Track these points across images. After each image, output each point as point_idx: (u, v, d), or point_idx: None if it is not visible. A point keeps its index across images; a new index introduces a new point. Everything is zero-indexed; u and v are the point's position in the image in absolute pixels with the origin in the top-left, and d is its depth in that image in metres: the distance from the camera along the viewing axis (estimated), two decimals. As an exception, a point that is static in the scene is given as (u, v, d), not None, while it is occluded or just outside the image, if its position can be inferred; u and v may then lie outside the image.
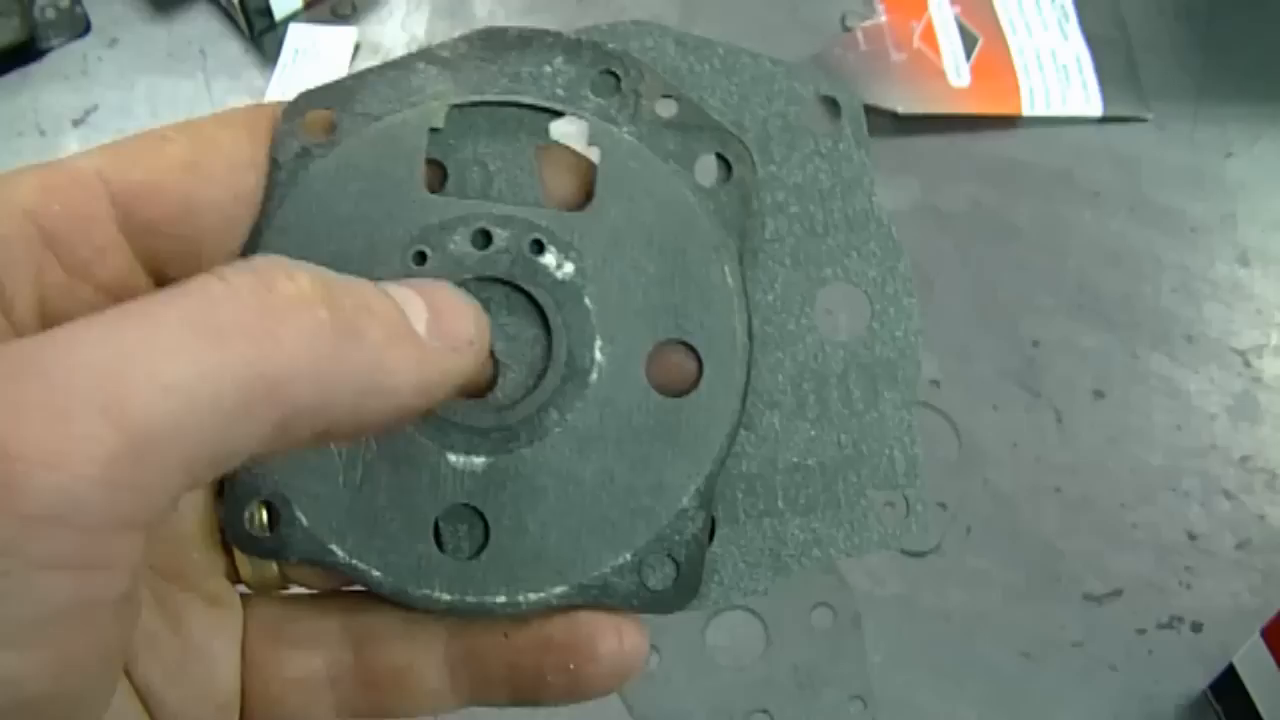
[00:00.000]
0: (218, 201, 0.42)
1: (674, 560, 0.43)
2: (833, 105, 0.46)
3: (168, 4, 1.10)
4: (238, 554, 0.44)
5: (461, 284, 0.42)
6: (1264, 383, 0.97)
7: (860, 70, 1.06)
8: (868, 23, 1.09)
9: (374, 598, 0.43)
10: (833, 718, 0.85)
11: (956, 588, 0.89)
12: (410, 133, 0.43)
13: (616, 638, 0.42)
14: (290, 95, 0.44)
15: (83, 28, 1.09)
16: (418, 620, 0.43)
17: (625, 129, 0.44)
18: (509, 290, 0.43)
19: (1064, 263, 1.01)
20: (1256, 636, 0.80)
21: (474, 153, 0.44)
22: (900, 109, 1.04)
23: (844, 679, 0.85)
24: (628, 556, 0.43)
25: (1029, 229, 1.02)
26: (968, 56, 1.08)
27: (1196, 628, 0.88)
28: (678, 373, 0.44)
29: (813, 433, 0.45)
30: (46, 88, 1.07)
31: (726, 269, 0.44)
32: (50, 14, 1.09)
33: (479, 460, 0.43)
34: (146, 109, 1.06)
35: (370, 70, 0.44)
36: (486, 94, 0.44)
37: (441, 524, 0.43)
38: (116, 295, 0.40)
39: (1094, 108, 1.07)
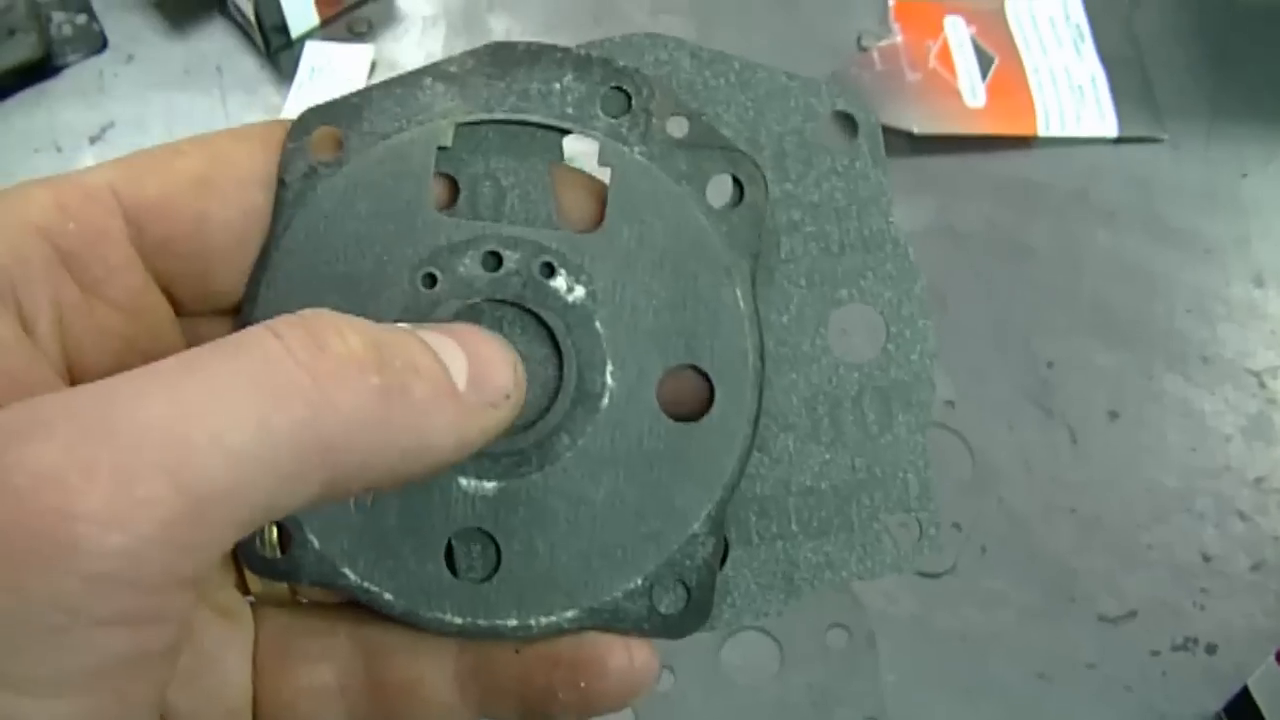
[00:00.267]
0: (229, 219, 0.42)
1: (685, 585, 0.43)
2: (849, 122, 0.46)
3: (184, 21, 1.10)
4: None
5: (472, 306, 0.43)
6: (1279, 404, 0.97)
7: (876, 90, 1.06)
8: (883, 43, 1.09)
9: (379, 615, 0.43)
10: (846, 738, 0.85)
11: (971, 608, 0.89)
12: (418, 151, 0.43)
13: (626, 655, 0.42)
14: (305, 113, 0.44)
15: (99, 44, 1.09)
16: (427, 636, 0.43)
17: (636, 149, 0.44)
18: (518, 312, 0.43)
19: (1079, 283, 1.01)
20: (1271, 659, 0.79)
21: (486, 168, 0.44)
22: (916, 129, 1.04)
23: (858, 699, 0.85)
24: (639, 581, 0.43)
25: (1044, 249, 1.02)
26: (983, 77, 1.08)
27: (1211, 649, 0.88)
28: (689, 397, 0.44)
29: (826, 455, 0.45)
30: (63, 104, 1.07)
31: (738, 292, 0.43)
32: (67, 30, 1.09)
33: (490, 484, 0.43)
34: (163, 125, 1.06)
35: (376, 86, 0.44)
36: (495, 111, 0.44)
37: (453, 547, 0.43)
38: (131, 312, 0.41)
39: (1109, 128, 1.07)
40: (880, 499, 0.45)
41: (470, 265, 0.43)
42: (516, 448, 0.43)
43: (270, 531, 0.43)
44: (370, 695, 0.43)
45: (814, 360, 0.45)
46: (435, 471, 0.37)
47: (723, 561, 0.44)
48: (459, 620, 0.43)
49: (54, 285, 0.39)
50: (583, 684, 0.42)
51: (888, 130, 1.03)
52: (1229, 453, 0.95)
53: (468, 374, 0.37)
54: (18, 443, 0.31)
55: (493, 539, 0.43)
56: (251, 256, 0.43)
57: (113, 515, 0.30)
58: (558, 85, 0.44)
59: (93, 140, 1.05)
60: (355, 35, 1.10)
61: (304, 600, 0.45)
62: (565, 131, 0.44)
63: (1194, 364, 0.98)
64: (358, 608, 0.44)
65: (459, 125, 0.43)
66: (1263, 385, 0.97)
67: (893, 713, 0.85)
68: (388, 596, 0.43)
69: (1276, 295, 1.01)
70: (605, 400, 0.43)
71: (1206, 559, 0.91)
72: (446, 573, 0.43)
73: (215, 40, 1.10)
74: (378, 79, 1.03)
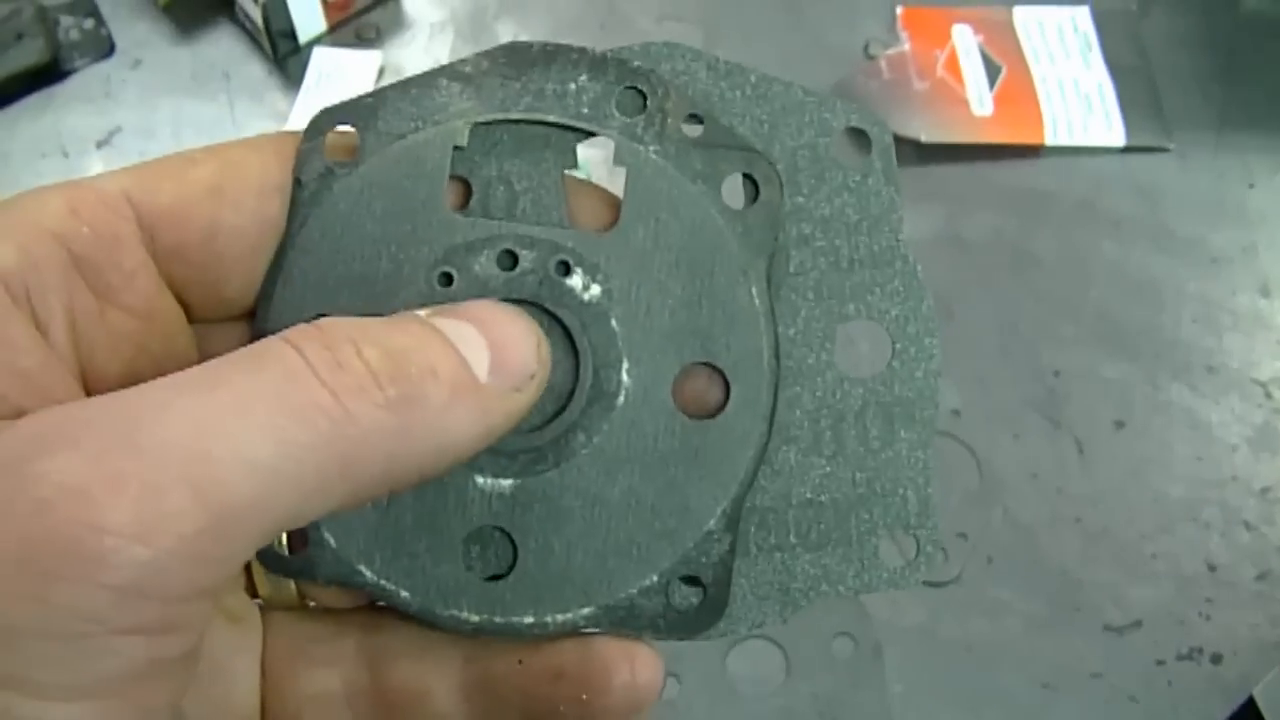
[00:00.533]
0: (241, 228, 0.42)
1: (700, 582, 0.43)
2: (863, 139, 0.46)
3: (192, 26, 1.10)
4: (256, 571, 0.44)
5: None
6: (1285, 414, 0.97)
7: (883, 99, 1.06)
8: (891, 51, 1.09)
9: (391, 617, 0.44)
10: (852, 747, 0.84)
11: (977, 618, 0.88)
12: (434, 152, 0.43)
13: (630, 669, 0.42)
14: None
15: (107, 49, 1.09)
16: (433, 643, 0.43)
17: (651, 148, 0.44)
18: (535, 311, 0.43)
19: (1085, 293, 1.01)
20: (1277, 669, 0.79)
21: (499, 170, 0.44)
22: (923, 138, 1.04)
23: (864, 709, 0.85)
24: (654, 578, 0.43)
25: (1051, 258, 1.02)
26: (991, 86, 1.08)
27: (1216, 659, 0.88)
28: (704, 395, 0.44)
29: (828, 469, 0.45)
30: (70, 109, 1.07)
31: (754, 291, 0.43)
32: (74, 35, 1.09)
33: (506, 482, 0.43)
34: (170, 131, 1.06)
35: (392, 87, 0.44)
36: (510, 112, 0.44)
37: (469, 545, 0.43)
38: (144, 317, 0.41)
39: (1116, 137, 1.07)
40: (880, 514, 0.45)
41: (486, 264, 0.43)
42: (532, 446, 0.43)
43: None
44: (376, 703, 0.43)
45: (819, 374, 0.45)
46: (461, 462, 0.37)
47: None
48: (475, 618, 0.43)
49: (68, 289, 0.39)
50: (585, 697, 0.42)
51: (895, 138, 1.03)
52: (1235, 463, 0.95)
53: (489, 361, 0.38)
54: (44, 453, 0.31)
55: (509, 537, 0.43)
56: (264, 265, 0.43)
57: (138, 529, 0.30)
58: (573, 85, 0.44)
59: (99, 145, 1.05)
60: (363, 41, 1.10)
61: (312, 604, 0.45)
62: (580, 133, 0.44)
63: (1200, 374, 0.98)
64: (366, 614, 0.45)
65: (474, 125, 0.43)
66: (1269, 395, 0.97)
67: (898, 722, 0.85)
68: (404, 594, 0.43)
69: (1283, 305, 1.01)
70: (621, 398, 0.43)
71: (1212, 569, 0.91)
72: (463, 571, 0.43)
73: (223, 46, 1.10)
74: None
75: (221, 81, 1.08)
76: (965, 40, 1.10)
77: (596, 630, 0.43)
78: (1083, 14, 1.13)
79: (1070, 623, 0.89)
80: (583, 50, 0.44)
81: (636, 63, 0.44)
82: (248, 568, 0.45)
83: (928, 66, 1.08)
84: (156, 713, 0.33)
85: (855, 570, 0.45)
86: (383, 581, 0.43)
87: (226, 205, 0.42)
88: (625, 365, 0.43)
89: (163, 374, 0.39)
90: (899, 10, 1.11)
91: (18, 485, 0.31)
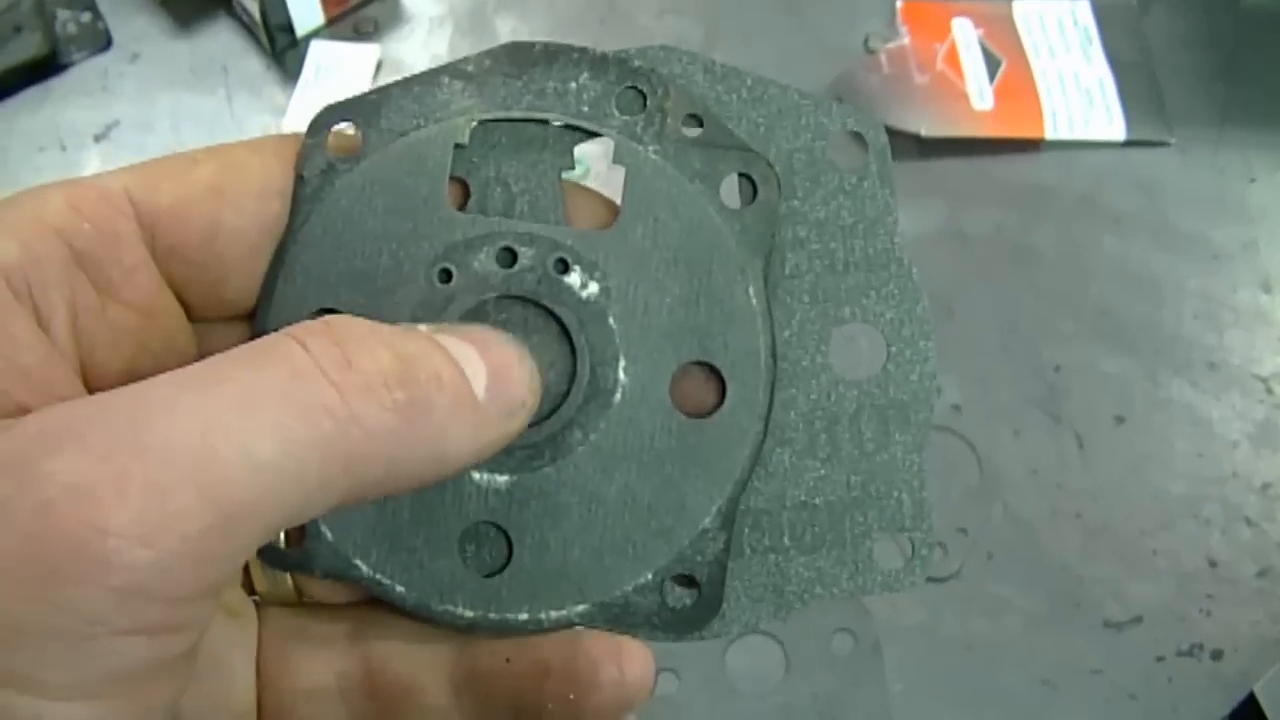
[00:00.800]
0: (241, 229, 0.42)
1: (695, 580, 0.44)
2: (859, 142, 0.46)
3: (190, 20, 1.10)
4: (253, 566, 0.45)
5: (485, 302, 0.43)
6: (1286, 410, 0.97)
7: (883, 93, 1.06)
8: (891, 45, 1.09)
9: (384, 611, 0.44)
10: (851, 744, 0.84)
11: (977, 614, 0.88)
12: (435, 149, 0.43)
13: (617, 667, 0.42)
14: (312, 113, 0.44)
15: (104, 43, 1.09)
16: (424, 638, 0.43)
17: (650, 147, 0.44)
18: (532, 308, 0.43)
19: (1086, 288, 1.01)
20: (1278, 666, 0.79)
21: (497, 171, 0.44)
22: (923, 132, 1.04)
23: (864, 706, 0.85)
24: (649, 576, 0.43)
25: (1051, 253, 1.02)
26: (991, 79, 1.08)
27: (1217, 656, 0.88)
28: (701, 393, 0.44)
29: (822, 471, 0.45)
30: (68, 103, 1.07)
31: (751, 290, 0.44)
32: (72, 29, 1.09)
33: (503, 478, 0.43)
34: (168, 125, 1.06)
35: (395, 84, 0.44)
36: (511, 110, 0.44)
37: (465, 541, 0.43)
38: (145, 314, 0.41)
39: (1117, 132, 1.06)
40: (874, 517, 0.45)
41: (485, 261, 0.43)
42: (529, 442, 0.43)
43: None
44: (368, 697, 0.43)
45: (814, 376, 0.45)
46: (450, 477, 0.38)
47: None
48: (470, 614, 0.43)
49: (69, 285, 0.39)
50: (572, 696, 0.42)
51: (895, 133, 1.04)
52: (1236, 459, 0.95)
53: (487, 384, 0.38)
54: (49, 452, 0.31)
55: (505, 533, 0.43)
56: (264, 266, 0.43)
57: (142, 529, 0.30)
58: (574, 84, 0.44)
59: (97, 139, 1.05)
60: (361, 35, 1.10)
61: (308, 600, 0.46)
62: (581, 132, 0.44)
63: (1201, 370, 0.98)
64: (359, 609, 0.45)
65: (476, 123, 0.44)
66: (1270, 391, 0.97)
67: (898, 719, 0.85)
68: (400, 589, 0.43)
69: (1284, 301, 1.01)
70: (618, 396, 0.43)
71: (1213, 565, 0.91)
72: (459, 566, 0.43)
73: (221, 39, 1.10)
74: (383, 79, 1.04)
75: (219, 75, 1.08)
76: (965, 34, 1.10)
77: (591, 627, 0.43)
78: (1083, 7, 1.13)
79: (1070, 619, 0.89)
80: (584, 50, 0.45)
81: (637, 63, 0.45)
82: (245, 563, 0.45)
83: (928, 60, 1.08)
84: (157, 711, 0.34)
85: (849, 573, 0.45)
86: (379, 576, 0.43)
87: (227, 206, 0.42)
88: (622, 363, 0.43)
89: (164, 371, 0.39)
90: (899, 4, 1.11)
91: (23, 484, 0.31)
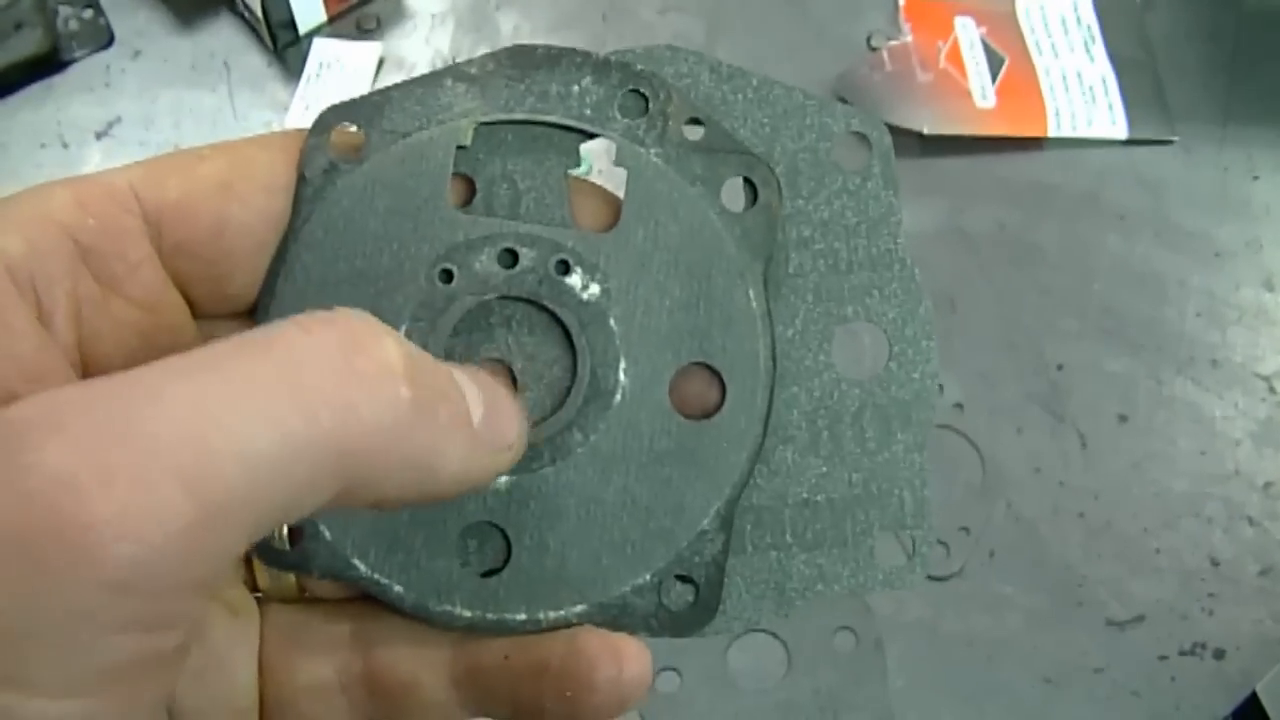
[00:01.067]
0: (249, 225, 0.42)
1: (693, 582, 0.44)
2: (863, 142, 0.46)
3: (192, 16, 1.10)
4: (255, 564, 0.45)
5: (485, 303, 0.43)
6: (1289, 409, 0.97)
7: (886, 90, 1.05)
8: (893, 43, 1.09)
9: (386, 609, 0.44)
10: (853, 742, 0.84)
11: (979, 612, 0.88)
12: (438, 150, 0.43)
13: (615, 666, 0.42)
14: (314, 110, 0.44)
15: (106, 39, 1.09)
16: (424, 636, 0.43)
17: (652, 151, 0.44)
18: (531, 309, 0.43)
19: (1089, 286, 1.01)
20: (1280, 665, 0.79)
21: (503, 169, 0.44)
22: (926, 129, 1.04)
23: (866, 703, 0.85)
24: (647, 577, 0.43)
25: (1054, 251, 1.02)
26: (993, 77, 1.08)
27: (1219, 655, 0.88)
28: (701, 396, 0.44)
29: (824, 469, 0.45)
30: (70, 99, 1.07)
31: (751, 293, 0.44)
32: (73, 25, 1.09)
33: (502, 478, 0.43)
34: (170, 121, 1.06)
35: (398, 86, 0.44)
36: (514, 112, 0.44)
37: (464, 541, 0.43)
38: (149, 309, 0.41)
39: (1119, 130, 1.06)
40: (875, 515, 0.46)
41: (486, 262, 0.43)
42: (529, 442, 0.42)
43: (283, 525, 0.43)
44: (369, 692, 0.43)
45: (816, 375, 0.46)
46: (433, 499, 0.37)
47: None
48: (468, 614, 0.43)
49: (73, 279, 0.39)
50: (570, 694, 0.42)
51: (897, 131, 1.03)
52: (1238, 458, 0.95)
53: (483, 414, 0.37)
54: (34, 443, 0.30)
55: (504, 533, 0.43)
56: (269, 262, 0.43)
57: (127, 523, 0.30)
58: (576, 88, 0.44)
59: (99, 136, 1.05)
60: (363, 32, 1.10)
61: (310, 596, 0.45)
62: (583, 134, 0.44)
63: (1204, 368, 0.98)
64: (361, 605, 0.45)
65: (478, 125, 0.44)
66: (1273, 390, 0.97)
67: (900, 717, 0.85)
68: (398, 589, 0.43)
69: (1287, 299, 1.01)
70: (618, 397, 0.43)
71: (1215, 564, 0.91)
72: (457, 566, 0.43)
73: (222, 36, 1.10)
74: (385, 76, 1.04)
75: (221, 72, 1.08)
76: (968, 32, 1.10)
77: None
78: (1085, 5, 1.13)
79: (1072, 617, 0.89)
80: (587, 54, 0.45)
81: (640, 66, 0.45)
82: (248, 561, 0.45)
83: (930, 58, 1.08)
84: (148, 707, 0.33)
85: (851, 570, 0.45)
86: (377, 576, 0.43)
87: (234, 201, 0.42)
88: (623, 364, 0.43)
89: None
90: (901, 1, 1.11)
91: (7, 476, 0.30)
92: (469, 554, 0.43)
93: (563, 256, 0.43)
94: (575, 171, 0.44)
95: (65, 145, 1.04)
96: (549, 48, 0.45)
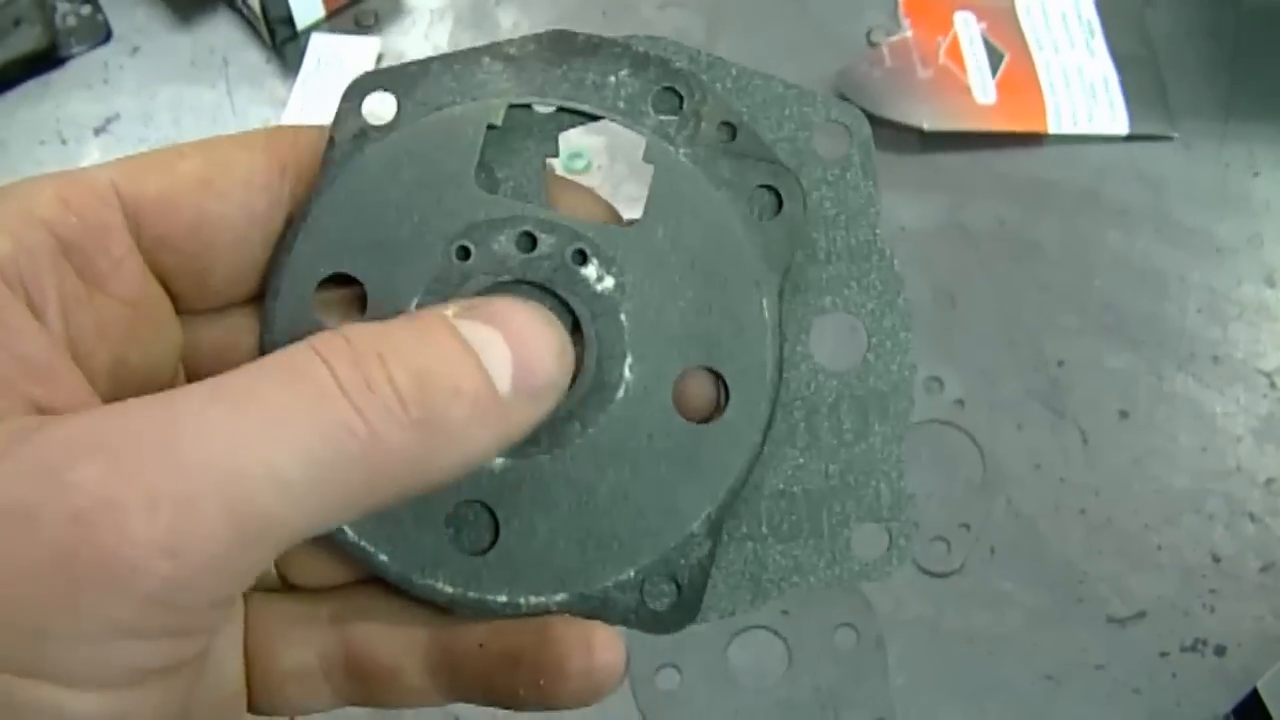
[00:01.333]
0: (230, 220, 0.43)
1: (676, 582, 0.44)
2: (843, 133, 0.46)
3: (190, 12, 1.10)
4: None
5: (501, 284, 0.43)
6: (1290, 405, 0.97)
7: (886, 86, 1.05)
8: (893, 38, 1.09)
9: (364, 596, 0.45)
10: (853, 739, 0.84)
11: (979, 609, 0.88)
12: (469, 127, 0.44)
13: (586, 656, 0.42)
14: (312, 106, 0.44)
15: (104, 35, 1.09)
16: (402, 620, 0.44)
17: (682, 150, 0.44)
18: (546, 296, 0.43)
19: (1089, 282, 1.00)
20: (1282, 662, 0.79)
21: (480, 156, 0.44)
22: (926, 125, 1.04)
23: (866, 701, 0.85)
24: (631, 573, 0.43)
25: (1054, 248, 1.02)
26: (994, 73, 1.08)
27: (1220, 651, 0.88)
28: (703, 400, 0.44)
29: (800, 460, 0.46)
30: (68, 96, 1.06)
31: (765, 303, 0.44)
32: (71, 21, 1.08)
33: (498, 461, 0.43)
34: (168, 118, 1.06)
35: (436, 59, 0.44)
36: (548, 97, 0.44)
37: (453, 518, 0.44)
38: (132, 304, 0.41)
39: (1120, 126, 1.06)
40: (852, 507, 0.46)
41: (505, 244, 0.43)
42: None
43: None
44: (350, 677, 0.44)
45: (794, 366, 0.46)
46: (459, 473, 0.38)
47: None
48: (450, 589, 0.43)
49: (58, 276, 0.40)
50: (542, 682, 0.42)
51: (897, 127, 1.04)
52: (1239, 454, 0.94)
53: (512, 370, 0.38)
54: (78, 462, 0.32)
55: (493, 514, 0.44)
56: (251, 257, 0.43)
57: (170, 544, 0.32)
58: (613, 79, 0.45)
59: (97, 132, 1.05)
60: (362, 28, 1.10)
61: (292, 585, 0.46)
62: (587, 117, 0.45)
63: (1205, 364, 0.97)
64: (341, 592, 0.45)
65: (510, 106, 0.44)
66: (1274, 386, 0.97)
67: (901, 714, 0.85)
68: (383, 558, 0.43)
69: (1288, 295, 1.01)
70: (621, 392, 0.43)
71: (1216, 560, 0.91)
72: (444, 542, 0.43)
73: (221, 32, 1.10)
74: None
75: (220, 68, 1.08)
76: (968, 27, 1.10)
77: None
78: (1086, 1, 1.12)
79: (1073, 614, 0.89)
80: (627, 45, 0.45)
81: (679, 64, 0.45)
82: None
83: (930, 54, 1.08)
84: (170, 704, 0.35)
85: (827, 561, 0.45)
86: (364, 543, 0.43)
87: (213, 197, 0.42)
88: (629, 360, 0.43)
89: (150, 362, 0.41)
90: (902, -3, 1.11)
91: (52, 493, 0.32)
92: (457, 532, 0.44)
93: (580, 246, 0.43)
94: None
95: (64, 142, 1.04)
96: (590, 36, 0.45)
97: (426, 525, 0.43)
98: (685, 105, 0.44)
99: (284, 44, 1.08)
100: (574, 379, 0.43)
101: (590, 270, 0.43)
